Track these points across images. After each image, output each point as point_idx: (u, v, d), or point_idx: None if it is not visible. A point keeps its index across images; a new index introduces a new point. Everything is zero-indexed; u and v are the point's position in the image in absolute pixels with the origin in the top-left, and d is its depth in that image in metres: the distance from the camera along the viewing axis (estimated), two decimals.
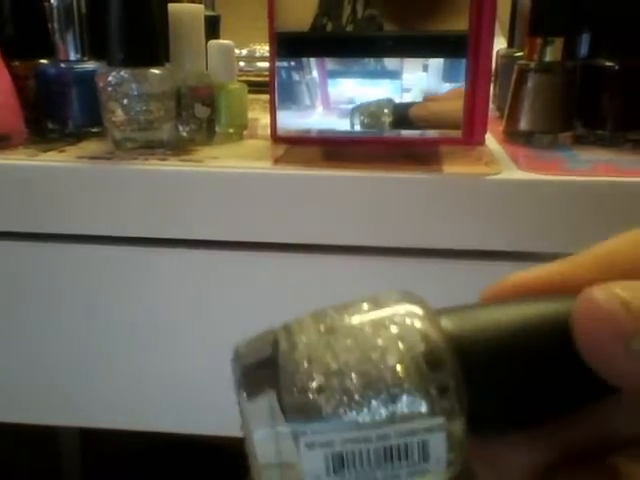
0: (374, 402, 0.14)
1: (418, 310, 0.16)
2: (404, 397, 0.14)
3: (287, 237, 0.52)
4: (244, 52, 0.97)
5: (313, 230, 0.52)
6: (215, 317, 0.55)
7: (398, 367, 0.15)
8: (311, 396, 0.15)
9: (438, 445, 0.14)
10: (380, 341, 0.15)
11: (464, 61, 0.55)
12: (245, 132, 0.63)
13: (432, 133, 0.57)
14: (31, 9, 0.60)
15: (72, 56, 0.59)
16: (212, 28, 0.70)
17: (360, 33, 0.56)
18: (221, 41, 0.63)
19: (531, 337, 0.15)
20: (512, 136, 0.61)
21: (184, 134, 0.59)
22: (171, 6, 0.57)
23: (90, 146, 0.58)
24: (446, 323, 0.16)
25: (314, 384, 0.15)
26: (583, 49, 0.61)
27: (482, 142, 0.59)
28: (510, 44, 0.76)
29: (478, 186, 0.49)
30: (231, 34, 0.78)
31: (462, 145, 0.58)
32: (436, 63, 0.55)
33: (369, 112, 0.56)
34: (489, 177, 0.50)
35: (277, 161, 0.54)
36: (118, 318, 0.57)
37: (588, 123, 0.60)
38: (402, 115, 0.56)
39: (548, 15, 0.58)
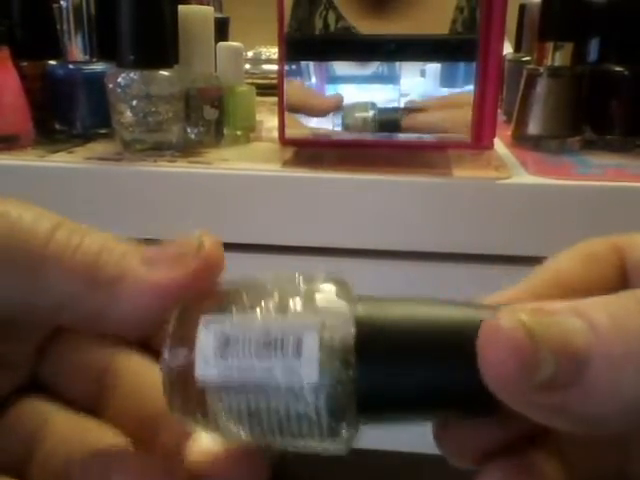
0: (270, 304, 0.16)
1: (336, 290, 0.17)
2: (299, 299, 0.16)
3: (296, 240, 0.52)
4: (250, 54, 0.98)
5: (321, 233, 0.52)
6: None
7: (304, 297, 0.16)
8: (236, 299, 0.17)
9: (311, 343, 0.15)
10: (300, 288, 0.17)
11: (463, 66, 0.55)
12: (252, 134, 0.63)
13: (441, 137, 0.57)
14: (40, 10, 0.60)
15: (81, 57, 0.59)
16: (221, 30, 0.70)
17: (370, 37, 0.56)
18: (230, 43, 0.63)
19: (432, 335, 0.16)
20: (520, 140, 0.61)
21: (192, 136, 0.59)
22: (181, 8, 0.57)
23: (98, 147, 0.58)
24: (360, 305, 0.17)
25: (238, 296, 0.17)
26: (592, 54, 0.61)
27: (491, 146, 0.59)
28: (517, 49, 0.76)
29: (488, 190, 0.49)
30: (236, 36, 0.78)
31: (471, 149, 0.58)
32: (434, 68, 0.55)
33: (352, 114, 0.56)
34: (499, 181, 0.49)
35: (286, 163, 0.54)
36: None
37: (597, 128, 0.59)
38: (390, 119, 0.56)
39: (558, 20, 0.58)
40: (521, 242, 0.50)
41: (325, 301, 0.16)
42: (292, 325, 0.16)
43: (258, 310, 0.16)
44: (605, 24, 0.60)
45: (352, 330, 0.16)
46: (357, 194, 0.51)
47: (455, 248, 0.51)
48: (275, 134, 0.60)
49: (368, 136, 0.57)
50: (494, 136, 0.58)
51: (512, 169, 0.53)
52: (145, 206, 0.52)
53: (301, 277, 0.17)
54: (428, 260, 0.52)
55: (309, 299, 0.16)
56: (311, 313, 0.16)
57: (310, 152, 0.57)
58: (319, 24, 0.55)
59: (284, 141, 0.59)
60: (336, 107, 0.56)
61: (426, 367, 0.16)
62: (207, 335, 0.16)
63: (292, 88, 0.56)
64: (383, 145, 0.58)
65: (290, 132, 0.58)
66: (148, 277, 0.17)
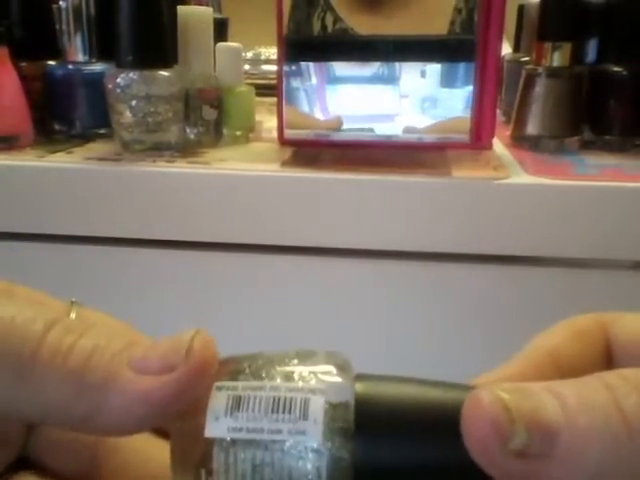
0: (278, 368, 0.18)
1: (336, 369, 0.18)
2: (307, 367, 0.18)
3: (294, 240, 0.52)
4: (249, 55, 0.98)
5: (320, 233, 0.52)
6: (222, 318, 0.55)
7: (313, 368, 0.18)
8: (241, 370, 0.18)
9: (317, 407, 0.17)
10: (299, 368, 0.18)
11: (462, 66, 0.55)
12: (251, 134, 0.63)
13: (440, 137, 0.57)
14: (39, 10, 0.60)
15: (80, 57, 0.59)
16: (220, 31, 0.70)
17: (368, 37, 0.56)
18: (229, 44, 0.63)
19: (424, 413, 0.17)
20: (519, 140, 0.61)
21: (192, 136, 0.59)
22: (180, 8, 0.57)
23: (97, 148, 0.58)
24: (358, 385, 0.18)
25: (244, 367, 0.18)
26: (591, 54, 0.61)
27: (489, 146, 0.59)
28: (516, 49, 0.76)
29: (487, 190, 0.49)
30: (235, 36, 0.78)
31: (470, 149, 0.58)
32: (433, 69, 0.55)
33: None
34: (498, 181, 0.50)
35: (284, 164, 0.54)
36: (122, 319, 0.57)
37: (596, 128, 0.60)
38: None
39: (556, 20, 0.58)
40: (519, 242, 0.50)
41: (327, 377, 0.18)
42: (300, 390, 0.17)
43: (267, 379, 0.17)
44: (603, 24, 0.60)
45: (352, 402, 0.17)
46: (356, 194, 0.51)
47: (454, 248, 0.51)
48: (274, 134, 0.60)
49: (367, 136, 0.58)
50: (493, 136, 0.59)
51: (511, 169, 0.53)
52: (144, 206, 0.52)
53: (302, 355, 0.18)
54: (427, 260, 0.52)
55: (313, 374, 0.18)
56: (316, 382, 0.17)
57: (309, 152, 0.57)
58: (317, 26, 0.56)
59: (283, 141, 0.59)
60: (337, 128, 0.57)
61: (417, 442, 0.17)
62: (219, 397, 0.17)
63: (290, 113, 0.57)
64: (382, 145, 0.58)
65: (289, 132, 0.58)
66: (135, 386, 0.16)
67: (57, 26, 0.59)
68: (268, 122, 0.69)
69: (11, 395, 0.16)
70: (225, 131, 0.61)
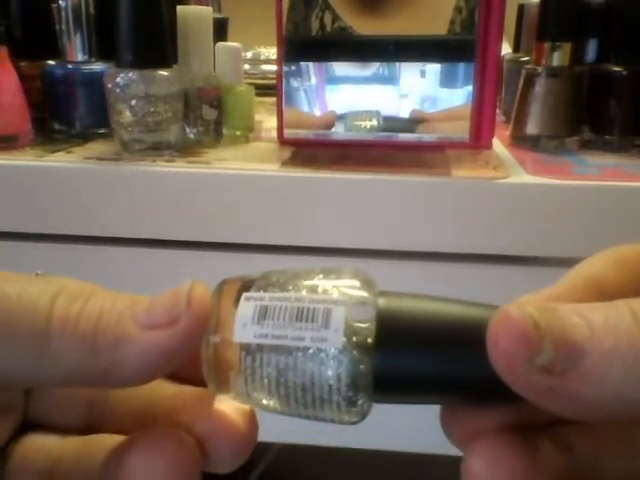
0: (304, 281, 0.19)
1: (360, 283, 0.19)
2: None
3: (294, 239, 0.52)
4: (249, 54, 0.98)
5: (319, 233, 0.52)
6: None
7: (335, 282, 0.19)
8: (270, 283, 0.19)
9: (338, 317, 0.17)
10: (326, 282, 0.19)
11: (462, 66, 0.55)
12: (251, 134, 0.63)
13: (439, 137, 0.57)
14: (39, 10, 0.60)
15: (79, 57, 0.59)
16: (220, 30, 0.70)
17: (368, 37, 0.56)
18: (229, 43, 0.63)
19: (445, 327, 0.18)
20: (519, 140, 0.61)
21: (191, 136, 0.59)
22: (180, 8, 0.57)
23: (97, 147, 0.58)
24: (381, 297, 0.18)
25: (273, 280, 0.19)
26: (591, 54, 0.61)
27: (489, 146, 0.59)
28: (516, 49, 0.76)
29: (487, 190, 0.49)
30: (235, 36, 0.78)
31: (469, 149, 0.58)
32: (433, 69, 0.55)
33: (356, 123, 0.57)
34: (497, 181, 0.50)
35: (284, 163, 0.54)
36: None
37: (596, 128, 0.60)
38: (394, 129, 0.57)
39: (556, 20, 0.58)
40: (519, 242, 0.50)
41: (351, 290, 0.18)
42: (322, 300, 0.18)
43: (293, 291, 0.18)
44: (603, 24, 0.60)
45: (373, 315, 0.18)
46: (356, 194, 0.51)
47: (454, 248, 0.51)
48: (274, 134, 0.60)
49: (367, 136, 0.58)
50: (493, 136, 0.59)
51: (511, 169, 0.53)
52: (144, 206, 0.52)
53: (328, 270, 0.19)
54: (426, 260, 0.52)
55: (337, 287, 0.18)
56: (339, 295, 0.18)
57: (309, 152, 0.57)
58: (315, 25, 0.56)
59: (283, 141, 0.59)
60: (331, 124, 0.57)
61: (438, 354, 0.18)
62: (247, 306, 0.18)
63: (290, 113, 0.57)
64: (382, 145, 0.58)
65: (289, 132, 0.58)
66: (145, 339, 0.18)
67: (56, 25, 0.59)
68: (268, 122, 0.68)
69: (34, 366, 0.17)
70: (225, 131, 0.61)
